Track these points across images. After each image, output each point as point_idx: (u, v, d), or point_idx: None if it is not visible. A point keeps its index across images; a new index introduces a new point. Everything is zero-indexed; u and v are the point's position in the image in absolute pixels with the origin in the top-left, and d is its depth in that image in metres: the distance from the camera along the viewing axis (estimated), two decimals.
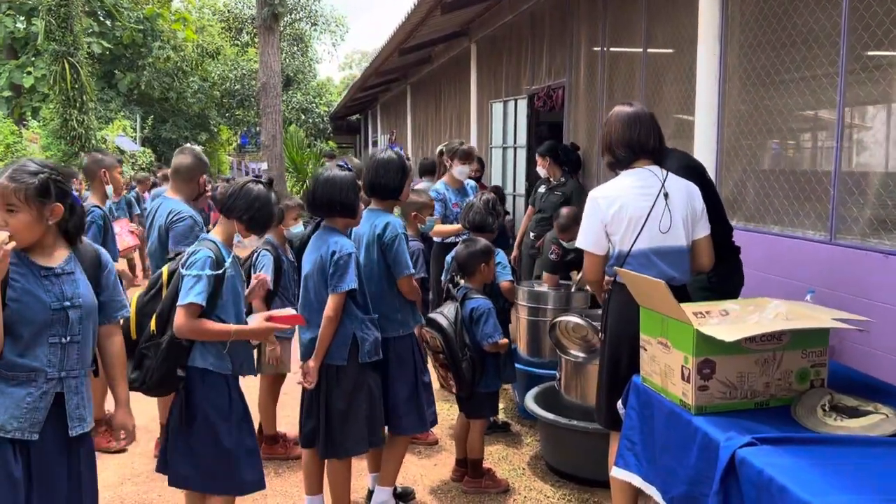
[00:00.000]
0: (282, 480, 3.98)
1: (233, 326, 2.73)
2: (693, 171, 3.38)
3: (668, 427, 2.65)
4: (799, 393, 2.56)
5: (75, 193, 2.43)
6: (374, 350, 3.19)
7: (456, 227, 4.73)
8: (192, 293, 2.60)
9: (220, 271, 2.67)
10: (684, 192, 3.06)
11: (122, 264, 4.58)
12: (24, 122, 18.96)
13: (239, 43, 27.51)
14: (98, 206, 4.13)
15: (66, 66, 16.14)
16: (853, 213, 3.73)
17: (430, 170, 6.96)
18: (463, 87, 11.81)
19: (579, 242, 3.11)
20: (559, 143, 6.64)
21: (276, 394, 4.24)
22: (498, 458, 4.22)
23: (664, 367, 2.67)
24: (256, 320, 2.81)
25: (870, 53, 3.61)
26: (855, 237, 3.71)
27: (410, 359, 3.38)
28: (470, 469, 3.83)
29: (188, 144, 4.75)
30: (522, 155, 8.66)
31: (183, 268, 2.66)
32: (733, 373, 2.51)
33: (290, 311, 2.96)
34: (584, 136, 7.10)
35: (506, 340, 3.76)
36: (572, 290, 4.79)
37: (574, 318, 3.85)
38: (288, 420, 4.77)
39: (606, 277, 3.38)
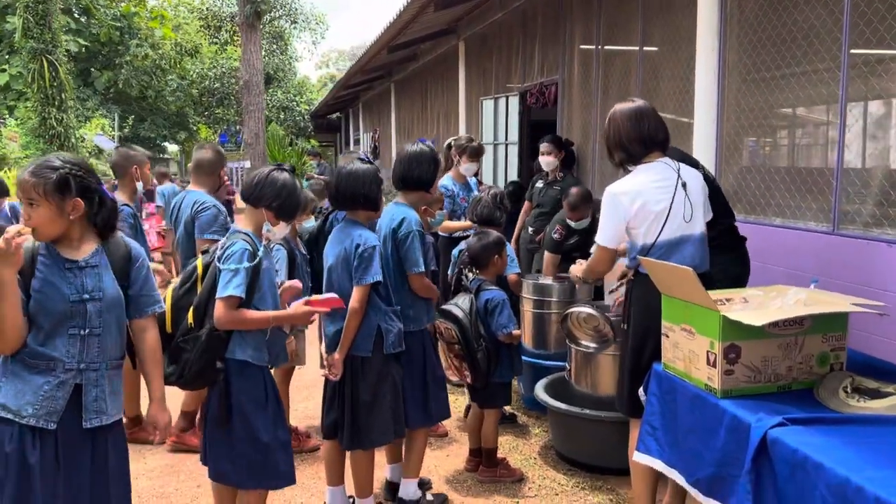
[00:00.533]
0: (298, 472, 3.99)
1: (271, 313, 2.75)
2: (693, 164, 3.47)
3: (692, 411, 2.72)
4: (820, 376, 2.65)
5: (104, 188, 2.45)
6: (397, 341, 3.23)
7: (465, 223, 4.78)
8: (231, 286, 2.61)
9: (255, 262, 2.69)
10: (696, 179, 3.15)
11: (156, 263, 4.57)
12: (1, 121, 18.67)
13: (218, 41, 27.31)
14: (127, 205, 4.13)
15: (45, 63, 15.90)
16: (855, 205, 3.84)
17: None
18: (451, 84, 11.86)
19: (598, 238, 3.16)
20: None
21: (288, 386, 4.27)
22: (508, 449, 4.27)
23: (688, 353, 2.74)
24: (294, 305, 2.83)
25: (860, 51, 3.72)
26: (858, 227, 3.81)
27: (421, 354, 3.41)
28: (484, 459, 3.88)
29: (207, 142, 4.80)
30: (514, 151, 8.74)
31: (219, 262, 2.68)
32: (758, 357, 2.58)
33: (329, 294, 2.96)
34: (579, 133, 7.19)
35: (519, 331, 3.82)
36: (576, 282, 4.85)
37: (587, 309, 3.91)
38: (299, 413, 4.80)
39: (626, 268, 3.46)
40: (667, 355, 2.90)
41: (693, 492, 2.68)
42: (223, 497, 2.93)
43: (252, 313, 2.68)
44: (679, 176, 3.06)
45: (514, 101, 8.73)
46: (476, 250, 3.86)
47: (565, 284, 4.90)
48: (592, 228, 5.12)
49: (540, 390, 4.23)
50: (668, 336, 2.88)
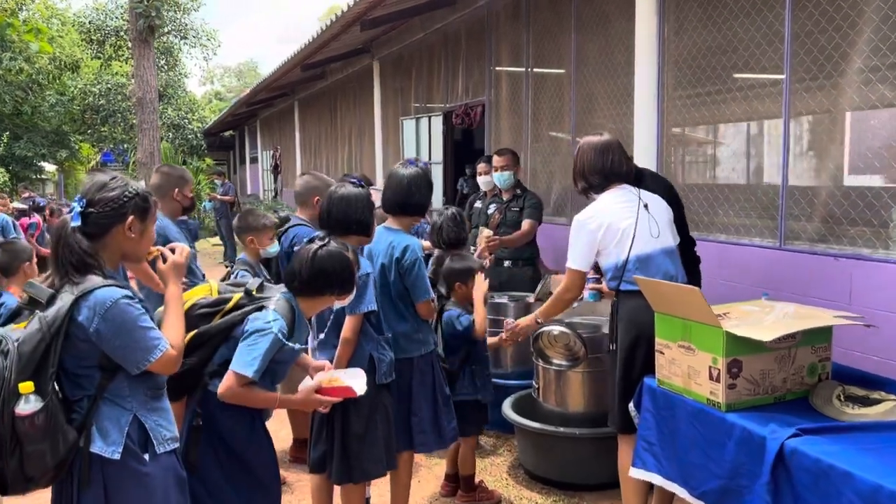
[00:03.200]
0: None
1: (279, 396, 2.59)
2: (669, 188, 3.64)
3: (694, 426, 2.79)
4: (810, 386, 2.79)
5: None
6: (389, 371, 3.14)
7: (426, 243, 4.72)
8: (253, 366, 2.38)
9: (284, 342, 2.48)
10: (658, 200, 3.34)
11: None
12: None
13: (102, 55, 25.94)
14: None
15: None
16: (801, 221, 4.09)
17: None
18: (364, 103, 11.80)
19: (570, 262, 3.31)
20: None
21: None
22: (479, 470, 4.24)
23: (687, 369, 2.82)
24: (305, 391, 2.63)
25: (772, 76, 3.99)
26: (804, 242, 4.06)
27: (431, 376, 3.35)
28: (463, 485, 3.84)
29: (162, 166, 4.47)
30: (439, 171, 8.78)
31: (248, 322, 2.46)
32: (757, 371, 2.70)
33: (339, 379, 2.75)
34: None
35: (499, 339, 3.84)
36: (531, 300, 4.91)
37: (559, 327, 3.96)
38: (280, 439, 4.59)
39: (597, 287, 3.57)
40: (662, 371, 2.97)
41: (698, 503, 2.76)
42: None
43: (259, 394, 2.47)
44: (640, 199, 3.25)
45: (438, 121, 8.79)
46: (442, 273, 3.82)
47: (520, 303, 4.96)
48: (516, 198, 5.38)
49: (507, 409, 4.24)
50: (662, 353, 2.96)
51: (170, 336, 2.15)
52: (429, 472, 4.20)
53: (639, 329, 3.14)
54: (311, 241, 2.75)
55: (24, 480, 2.00)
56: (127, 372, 2.10)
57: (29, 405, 1.93)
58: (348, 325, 2.99)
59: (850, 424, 2.47)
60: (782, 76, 4.09)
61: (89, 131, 26.75)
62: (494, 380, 4.72)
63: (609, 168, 3.26)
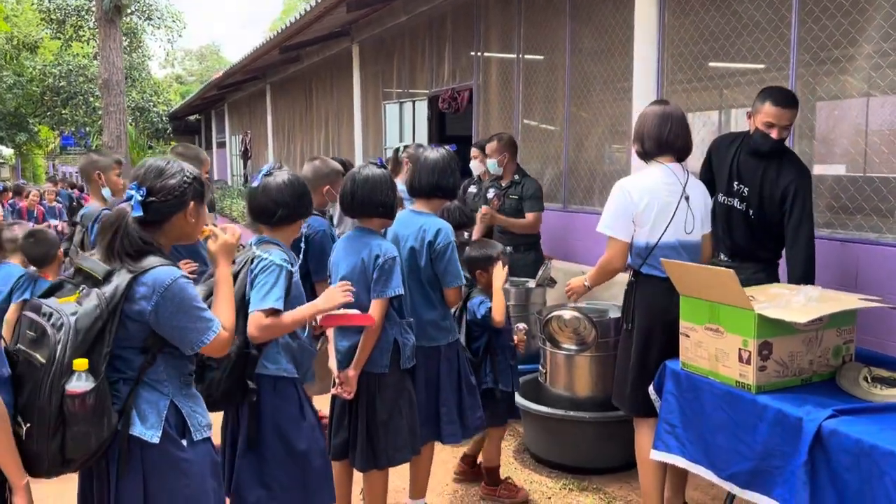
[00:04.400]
0: None
1: (305, 307, 2.55)
2: (802, 173, 3.45)
3: (721, 408, 2.80)
4: (835, 368, 2.82)
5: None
6: (412, 355, 3.09)
7: None
8: (272, 297, 2.41)
9: (290, 268, 2.51)
10: (701, 190, 3.28)
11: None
12: None
13: (62, 35, 25.21)
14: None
15: None
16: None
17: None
18: (342, 86, 11.65)
19: (609, 230, 3.19)
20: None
21: None
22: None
23: (714, 352, 2.83)
24: (325, 293, 2.63)
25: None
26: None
27: (457, 364, 3.30)
28: (487, 478, 3.77)
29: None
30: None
31: (253, 272, 2.46)
32: (786, 353, 2.71)
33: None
34: None
35: (522, 333, 3.77)
36: (532, 285, 4.90)
37: (570, 312, 3.95)
38: None
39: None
40: (687, 354, 2.98)
41: (727, 485, 2.77)
42: None
43: (288, 315, 2.47)
44: (684, 188, 3.18)
45: (422, 106, 8.72)
46: (464, 260, 3.67)
47: (520, 289, 4.95)
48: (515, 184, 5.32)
49: (516, 394, 4.22)
50: (688, 336, 2.96)
51: (222, 317, 2.12)
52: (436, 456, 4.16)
53: (657, 314, 3.15)
54: (269, 174, 2.66)
55: (61, 463, 1.93)
56: (165, 357, 2.06)
57: (81, 383, 1.86)
58: (375, 310, 2.92)
59: (884, 405, 2.50)
60: (789, 61, 4.12)
61: (49, 114, 26.05)
62: None
63: (664, 138, 3.16)
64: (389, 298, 2.96)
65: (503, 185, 5.45)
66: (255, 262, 2.48)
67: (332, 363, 3.04)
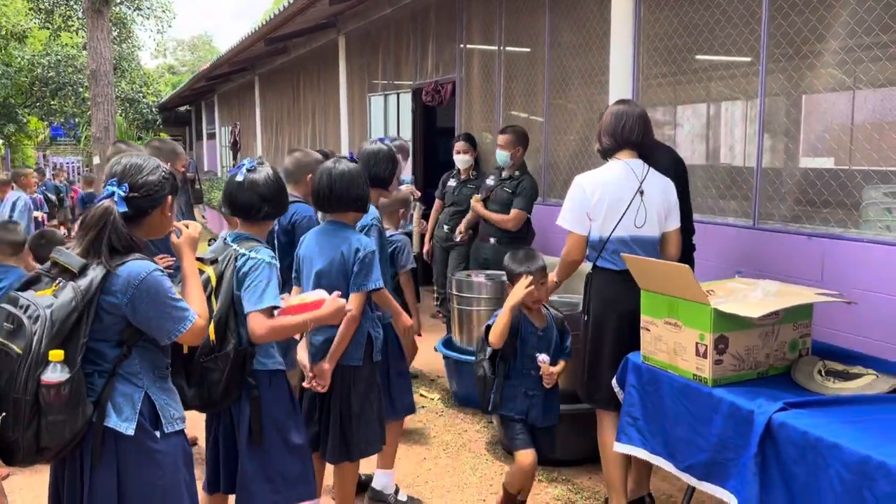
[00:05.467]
0: None
1: (308, 315, 2.56)
2: (679, 163, 3.66)
3: (680, 401, 2.85)
4: (791, 361, 2.87)
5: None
6: (381, 348, 3.17)
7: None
8: (269, 296, 2.45)
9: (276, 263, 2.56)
10: (660, 187, 3.32)
11: None
12: None
13: (50, 25, 25.02)
14: None
15: None
16: (774, 201, 4.18)
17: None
18: (329, 79, 11.63)
19: (565, 223, 3.34)
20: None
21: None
22: (457, 448, 4.28)
23: (673, 346, 2.88)
24: (329, 301, 2.63)
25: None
26: (777, 222, 4.15)
27: (386, 350, 3.36)
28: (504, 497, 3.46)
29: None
30: (348, 153, 8.72)
31: (241, 270, 2.50)
32: (742, 346, 2.76)
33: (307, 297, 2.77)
34: (479, 130, 7.30)
35: (547, 364, 3.26)
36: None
37: None
38: None
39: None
40: (647, 348, 3.02)
41: (685, 477, 2.82)
42: None
43: (290, 319, 2.51)
44: (641, 183, 3.24)
45: (406, 98, 8.72)
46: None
47: (495, 282, 4.98)
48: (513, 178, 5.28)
49: None
50: (648, 330, 3.00)
51: (195, 307, 2.19)
52: (425, 451, 4.21)
53: (609, 306, 3.25)
54: (252, 169, 2.68)
55: (35, 452, 1.99)
56: (140, 350, 2.12)
57: (56, 374, 1.92)
58: (354, 303, 2.94)
59: (835, 398, 2.55)
60: (759, 56, 4.15)
61: (38, 104, 25.87)
62: (466, 356, 4.70)
63: (620, 133, 3.25)
64: (369, 291, 3.01)
65: (504, 175, 5.40)
66: (242, 260, 2.50)
67: (303, 356, 3.06)
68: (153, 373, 2.17)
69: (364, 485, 3.60)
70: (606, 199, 3.23)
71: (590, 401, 3.40)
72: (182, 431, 2.23)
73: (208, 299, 2.40)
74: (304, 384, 3.05)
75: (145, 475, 2.09)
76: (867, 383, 2.63)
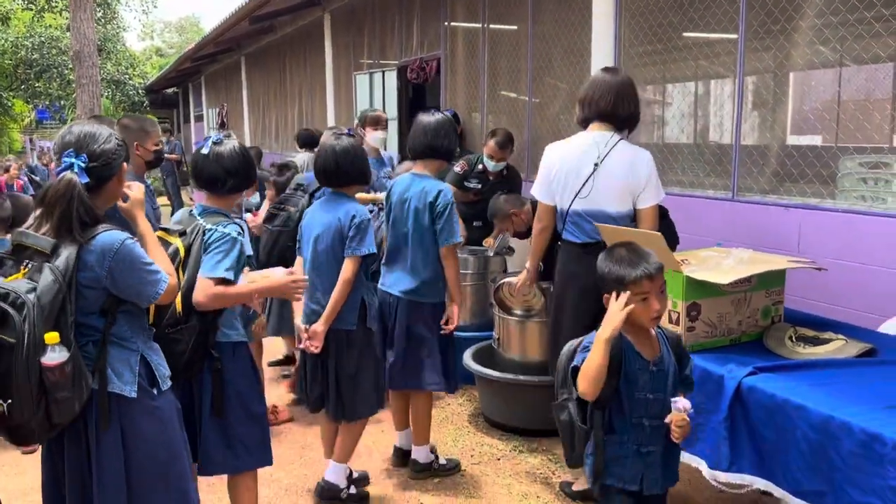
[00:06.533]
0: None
1: (253, 285, 2.59)
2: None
3: None
4: (763, 328, 2.91)
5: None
6: (376, 316, 3.28)
7: (379, 196, 4.65)
8: (222, 267, 2.45)
9: (241, 239, 2.55)
10: (626, 162, 3.14)
11: None
12: None
13: (34, 6, 24.73)
14: None
15: None
16: (752, 173, 4.21)
17: (310, 141, 6.77)
18: (315, 58, 11.56)
19: (534, 191, 3.34)
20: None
21: (261, 360, 4.35)
22: (440, 420, 4.31)
23: None
24: (277, 274, 2.69)
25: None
26: (755, 194, 4.18)
27: (438, 325, 3.44)
28: None
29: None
30: (394, 127, 8.69)
31: (206, 243, 2.49)
32: (715, 313, 2.79)
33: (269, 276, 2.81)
34: (464, 109, 7.29)
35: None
36: (490, 254, 4.95)
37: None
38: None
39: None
40: None
41: None
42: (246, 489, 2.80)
43: (233, 288, 2.50)
44: (600, 156, 3.11)
45: (392, 76, 8.68)
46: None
47: (479, 257, 5.00)
48: (503, 179, 5.13)
49: (468, 359, 4.30)
50: None
51: (163, 266, 2.20)
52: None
53: (568, 279, 3.23)
54: (218, 142, 2.67)
55: (49, 429, 2.02)
56: (125, 315, 2.15)
57: (56, 354, 1.93)
58: (349, 267, 3.07)
59: (803, 362, 2.59)
60: (737, 33, 4.15)
61: (23, 87, 25.61)
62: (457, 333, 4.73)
63: (590, 104, 3.18)
64: (363, 257, 3.09)
65: (491, 179, 5.16)
66: (209, 234, 2.50)
67: (298, 320, 3.19)
68: (143, 334, 2.21)
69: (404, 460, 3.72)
70: (564, 171, 3.18)
71: (552, 375, 3.37)
72: (172, 388, 2.29)
73: (176, 271, 2.41)
74: (300, 346, 3.17)
75: (148, 432, 2.16)
76: (836, 348, 2.67)
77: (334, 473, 3.32)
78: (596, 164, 3.13)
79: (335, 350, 3.13)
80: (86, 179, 2.05)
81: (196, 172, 2.67)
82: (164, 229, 2.56)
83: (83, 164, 2.05)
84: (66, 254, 1.99)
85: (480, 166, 5.13)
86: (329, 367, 3.15)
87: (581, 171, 3.15)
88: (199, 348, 2.47)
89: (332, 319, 3.09)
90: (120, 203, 2.28)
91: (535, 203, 3.46)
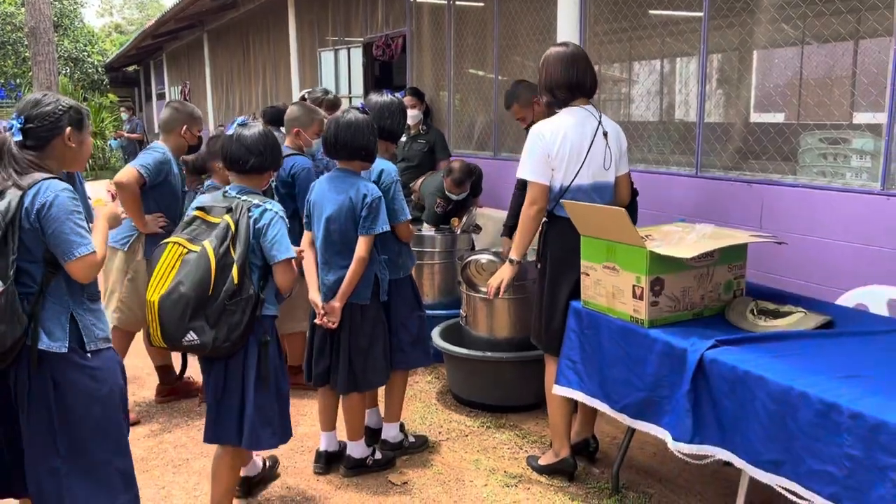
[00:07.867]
0: None
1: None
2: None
3: (617, 343, 2.91)
4: (726, 302, 2.94)
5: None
6: (387, 289, 3.37)
7: None
8: (289, 247, 2.67)
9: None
10: (616, 131, 3.26)
11: None
12: None
13: None
14: None
15: None
16: (716, 149, 4.24)
17: (277, 118, 6.67)
18: (279, 34, 11.37)
19: (525, 174, 3.18)
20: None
21: None
22: (409, 397, 4.30)
23: (611, 289, 2.92)
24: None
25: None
26: (719, 170, 4.22)
27: (412, 298, 3.53)
28: None
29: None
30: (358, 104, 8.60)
31: (259, 223, 2.65)
32: (678, 288, 2.82)
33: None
34: (431, 85, 7.23)
35: None
36: (457, 232, 4.95)
37: (487, 256, 4.01)
38: None
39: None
40: (587, 293, 3.07)
41: (620, 417, 2.89)
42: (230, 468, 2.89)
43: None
44: (601, 124, 3.16)
45: (357, 53, 8.59)
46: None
47: (445, 235, 4.99)
48: (466, 198, 5.22)
49: (436, 337, 4.30)
50: (588, 275, 3.04)
51: (96, 243, 2.30)
52: None
53: (567, 254, 3.17)
54: (244, 125, 2.82)
55: None
56: (66, 272, 2.26)
57: None
58: (363, 245, 3.16)
59: (763, 335, 2.63)
60: (702, 11, 4.16)
61: None
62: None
63: (575, 81, 3.13)
64: (377, 235, 3.17)
65: (412, 133, 5.74)
66: (258, 211, 2.65)
67: (315, 296, 3.23)
68: (82, 294, 2.31)
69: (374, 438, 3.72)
70: (568, 145, 3.10)
71: (546, 349, 3.35)
72: (111, 348, 2.40)
73: (229, 246, 2.55)
74: (316, 321, 3.24)
75: (81, 387, 2.28)
76: (796, 321, 2.72)
77: (356, 448, 3.43)
78: (605, 134, 3.16)
79: (350, 324, 3.23)
80: (18, 137, 2.26)
81: (224, 153, 2.83)
82: (202, 208, 2.70)
83: (19, 125, 2.27)
84: (10, 198, 2.18)
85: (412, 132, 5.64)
86: (342, 340, 3.24)
87: (585, 144, 3.11)
88: (251, 320, 2.60)
89: (349, 295, 3.18)
90: (97, 206, 2.56)
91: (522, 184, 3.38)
